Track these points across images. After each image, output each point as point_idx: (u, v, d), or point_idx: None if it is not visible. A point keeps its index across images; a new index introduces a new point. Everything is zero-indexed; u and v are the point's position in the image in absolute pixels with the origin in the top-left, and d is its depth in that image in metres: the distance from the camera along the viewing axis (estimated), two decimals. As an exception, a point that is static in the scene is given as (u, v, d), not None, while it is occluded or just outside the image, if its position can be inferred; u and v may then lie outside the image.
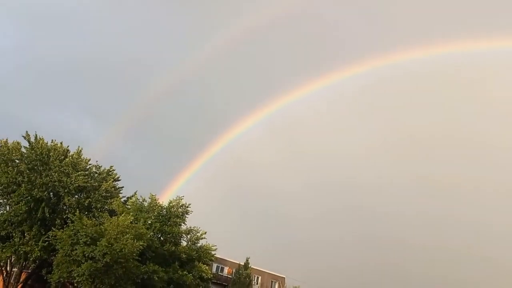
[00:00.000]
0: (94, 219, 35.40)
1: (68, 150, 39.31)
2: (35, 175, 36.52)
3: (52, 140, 38.99)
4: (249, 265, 49.12)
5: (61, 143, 39.21)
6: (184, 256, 40.67)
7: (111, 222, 33.58)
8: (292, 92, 71.93)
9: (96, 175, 40.44)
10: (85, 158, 39.74)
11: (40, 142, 37.70)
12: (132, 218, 36.14)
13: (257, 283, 56.04)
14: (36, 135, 37.98)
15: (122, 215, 35.44)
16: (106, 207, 39.02)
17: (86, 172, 38.83)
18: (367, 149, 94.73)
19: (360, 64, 67.95)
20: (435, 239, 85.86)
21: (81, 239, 31.26)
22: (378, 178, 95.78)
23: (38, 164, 37.11)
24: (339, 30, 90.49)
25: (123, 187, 43.13)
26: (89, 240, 31.12)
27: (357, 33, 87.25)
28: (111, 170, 41.74)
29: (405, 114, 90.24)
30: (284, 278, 60.06)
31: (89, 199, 37.79)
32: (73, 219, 33.42)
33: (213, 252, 44.08)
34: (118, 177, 42.23)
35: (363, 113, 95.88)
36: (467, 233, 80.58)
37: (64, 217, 36.21)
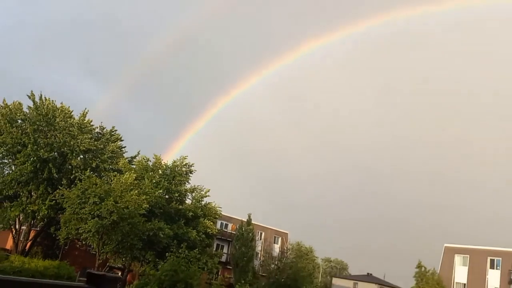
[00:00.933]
0: (102, 178, 35.84)
1: (71, 111, 39.16)
2: (40, 135, 36.66)
3: (61, 102, 38.64)
4: (251, 221, 50.14)
5: (68, 106, 38.89)
6: (190, 213, 41.58)
7: (117, 181, 34.10)
8: (293, 51, 70.95)
9: (100, 135, 40.68)
10: (88, 119, 39.71)
11: (46, 103, 37.46)
12: (135, 175, 36.66)
13: (260, 239, 57.42)
14: (41, 94, 37.72)
15: (126, 173, 35.89)
16: (112, 167, 39.48)
17: (91, 135, 38.95)
18: (361, 110, 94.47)
19: (355, 24, 66.77)
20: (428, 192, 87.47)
21: (89, 198, 31.78)
22: (372, 138, 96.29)
23: (44, 125, 37.13)
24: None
25: (125, 146, 43.57)
26: (98, 200, 31.64)
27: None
28: (113, 130, 41.95)
29: (399, 75, 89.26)
30: (287, 233, 61.44)
31: (96, 160, 38.20)
32: (81, 178, 33.81)
33: (218, 210, 45.21)
34: (121, 137, 42.53)
35: (358, 71, 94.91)
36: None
37: (72, 177, 36.69)
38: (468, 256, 50.51)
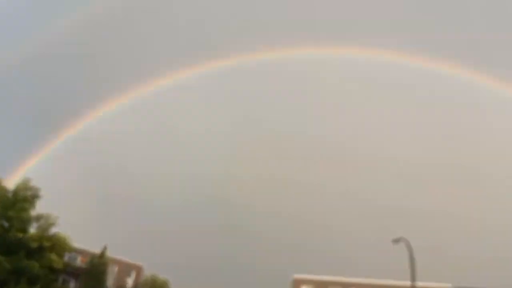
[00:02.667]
0: None
1: None
2: None
3: None
4: (105, 254, 46.74)
5: None
6: (33, 244, 37.16)
7: None
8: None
9: None
10: None
11: None
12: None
13: (113, 273, 53.64)
14: None
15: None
16: None
17: None
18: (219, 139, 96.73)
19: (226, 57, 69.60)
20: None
21: None
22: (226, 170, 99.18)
23: None
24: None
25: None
26: None
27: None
28: None
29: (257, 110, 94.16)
30: (142, 266, 58.61)
31: None
32: None
33: (68, 243, 41.48)
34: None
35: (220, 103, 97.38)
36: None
37: None
38: (314, 287, 53.99)
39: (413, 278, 27.32)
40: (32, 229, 39.79)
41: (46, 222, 40.30)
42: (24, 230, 38.58)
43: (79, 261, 50.29)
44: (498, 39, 68.51)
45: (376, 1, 76.56)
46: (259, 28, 77.51)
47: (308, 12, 77.63)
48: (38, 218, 40.12)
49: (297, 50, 68.20)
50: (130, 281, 55.51)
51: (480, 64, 62.24)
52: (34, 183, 39.70)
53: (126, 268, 56.99)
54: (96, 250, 47.76)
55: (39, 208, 40.05)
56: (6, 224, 37.09)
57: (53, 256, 39.07)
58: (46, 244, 38.41)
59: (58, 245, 40.23)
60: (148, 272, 60.10)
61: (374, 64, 69.32)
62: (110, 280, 51.10)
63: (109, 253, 50.39)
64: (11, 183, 39.67)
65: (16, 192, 38.61)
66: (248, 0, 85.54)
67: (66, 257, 46.89)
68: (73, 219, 67.77)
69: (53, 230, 40.52)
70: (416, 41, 66.54)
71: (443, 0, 73.66)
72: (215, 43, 78.23)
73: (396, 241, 27.40)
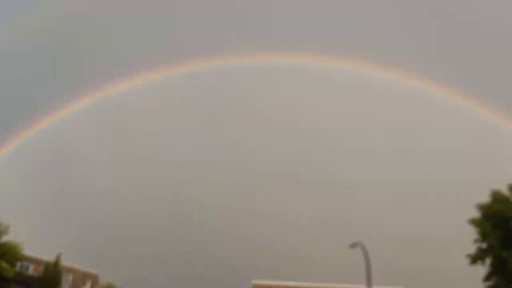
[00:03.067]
0: None
1: None
2: None
3: None
4: (60, 262, 45.22)
5: None
6: (-17, 253, 35.55)
7: None
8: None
9: None
10: None
11: None
12: None
13: (67, 282, 51.93)
14: None
15: None
16: None
17: None
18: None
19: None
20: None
21: None
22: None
23: None
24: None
25: None
26: None
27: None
28: None
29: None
30: (97, 275, 57.11)
31: None
32: None
33: (20, 251, 39.97)
34: None
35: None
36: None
37: None
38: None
39: (368, 281, 28.36)
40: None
41: (-4, 229, 38.67)
42: (-27, 238, 36.95)
43: (31, 270, 48.44)
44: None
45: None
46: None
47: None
48: (-12, 225, 38.46)
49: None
50: (85, 290, 54.03)
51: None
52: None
53: (81, 277, 55.38)
54: (50, 258, 46.19)
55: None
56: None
57: (4, 265, 37.57)
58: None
59: (9, 254, 38.72)
60: (103, 280, 58.72)
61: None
62: (64, 289, 49.57)
63: (64, 261, 48.87)
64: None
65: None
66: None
67: (18, 266, 45.08)
68: (25, 226, 65.35)
69: (4, 238, 38.92)
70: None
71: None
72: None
73: (353, 245, 28.35)
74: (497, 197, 29.45)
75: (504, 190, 29.55)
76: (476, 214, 30.10)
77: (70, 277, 53.20)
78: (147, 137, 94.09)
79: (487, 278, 29.98)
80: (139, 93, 78.99)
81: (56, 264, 45.17)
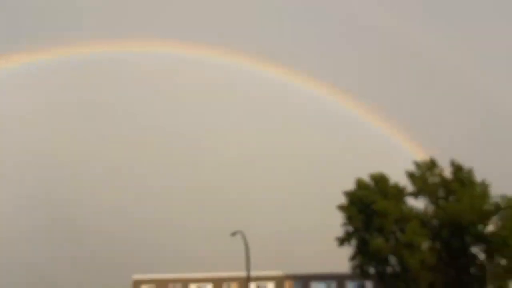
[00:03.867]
0: None
1: None
2: None
3: None
4: None
5: None
6: None
7: None
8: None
9: None
10: None
11: None
12: None
13: None
14: None
15: None
16: None
17: None
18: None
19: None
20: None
21: None
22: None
23: None
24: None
25: None
26: None
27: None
28: None
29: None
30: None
31: None
32: None
33: None
34: None
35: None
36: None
37: None
38: (155, 286, 53.49)
39: (248, 268, 29.39)
40: None
41: None
42: None
43: None
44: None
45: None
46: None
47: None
48: None
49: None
50: None
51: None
52: None
53: None
54: None
55: None
56: None
57: None
58: None
59: None
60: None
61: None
62: None
63: None
64: None
65: None
66: None
67: None
68: None
69: None
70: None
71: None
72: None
73: (234, 234, 29.14)
74: (360, 184, 32.88)
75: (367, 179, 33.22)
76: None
77: None
78: (13, 135, 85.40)
79: (352, 257, 33.34)
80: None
81: None
